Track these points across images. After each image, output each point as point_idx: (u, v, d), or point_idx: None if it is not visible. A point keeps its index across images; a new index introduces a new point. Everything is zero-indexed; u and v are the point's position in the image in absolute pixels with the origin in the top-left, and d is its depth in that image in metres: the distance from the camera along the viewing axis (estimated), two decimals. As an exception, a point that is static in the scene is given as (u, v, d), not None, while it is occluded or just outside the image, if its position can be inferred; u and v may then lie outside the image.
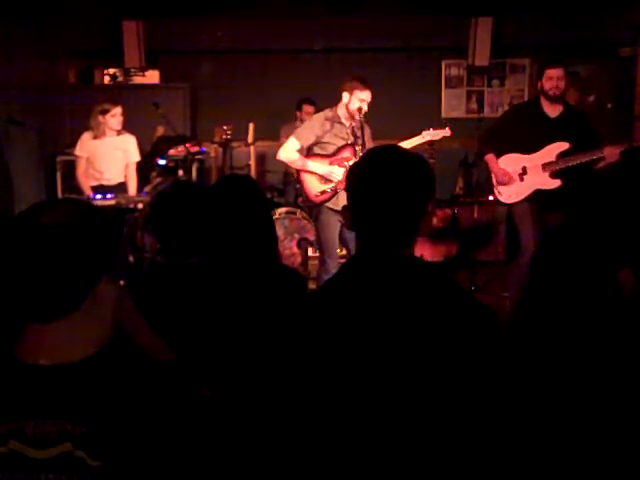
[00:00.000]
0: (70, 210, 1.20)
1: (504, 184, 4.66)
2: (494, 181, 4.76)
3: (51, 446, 1.11)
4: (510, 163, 4.67)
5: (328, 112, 4.53)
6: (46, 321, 1.17)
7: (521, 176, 4.63)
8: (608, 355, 1.73)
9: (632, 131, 7.03)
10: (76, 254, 1.16)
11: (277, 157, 4.62)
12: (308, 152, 4.57)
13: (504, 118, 5.03)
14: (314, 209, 4.66)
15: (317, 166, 4.48)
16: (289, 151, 4.51)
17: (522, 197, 4.62)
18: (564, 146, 4.48)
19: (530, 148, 4.59)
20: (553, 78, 4.48)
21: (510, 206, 4.78)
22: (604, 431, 1.68)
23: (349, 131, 4.48)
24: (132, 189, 5.58)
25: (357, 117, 4.38)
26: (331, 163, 4.48)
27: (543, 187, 4.55)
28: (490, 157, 4.72)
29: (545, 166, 4.53)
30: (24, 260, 1.14)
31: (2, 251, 1.15)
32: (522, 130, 4.62)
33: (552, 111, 4.58)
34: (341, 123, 4.48)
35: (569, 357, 1.72)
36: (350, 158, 4.46)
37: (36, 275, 1.14)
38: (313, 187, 4.53)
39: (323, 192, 4.50)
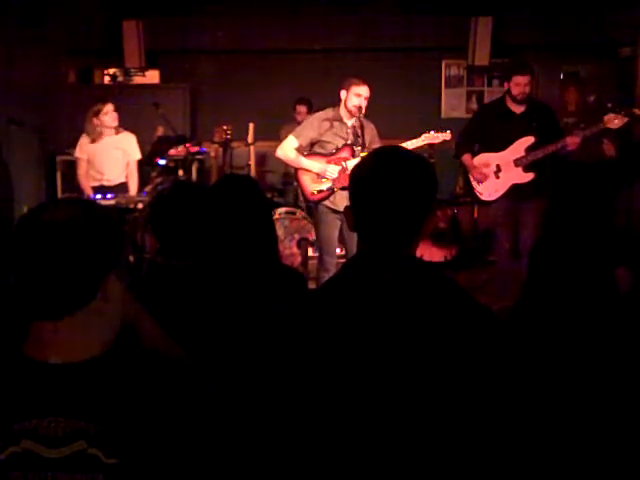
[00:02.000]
0: (75, 208, 1.21)
1: (479, 181, 4.90)
2: (472, 181, 4.98)
3: (64, 445, 1.11)
4: (484, 163, 4.88)
5: (330, 111, 4.55)
6: (56, 318, 1.17)
7: (496, 174, 4.85)
8: (607, 354, 1.73)
9: (632, 131, 7.02)
10: (82, 251, 1.16)
11: (276, 155, 4.70)
12: (309, 151, 4.61)
13: (474, 119, 5.26)
14: (313, 208, 4.71)
15: (313, 164, 4.53)
16: (287, 149, 4.56)
17: (501, 193, 4.86)
18: (530, 140, 4.72)
19: (500, 145, 4.82)
20: (520, 84, 4.69)
21: (488, 205, 5.03)
22: (604, 430, 1.68)
23: (350, 130, 4.48)
24: (133, 188, 5.58)
25: (356, 115, 4.39)
26: (328, 162, 4.51)
27: (518, 181, 4.79)
28: (465, 157, 4.96)
29: (516, 161, 4.76)
30: (31, 258, 1.15)
31: (10, 250, 1.16)
32: (491, 128, 4.87)
33: (517, 107, 4.80)
34: (342, 122, 4.50)
35: (568, 356, 1.72)
36: (348, 158, 4.48)
37: (44, 272, 1.14)
38: (309, 185, 4.57)
39: (320, 190, 4.54)
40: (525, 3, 7.25)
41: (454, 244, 6.40)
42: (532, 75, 4.76)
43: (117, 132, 5.51)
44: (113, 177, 5.54)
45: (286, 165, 5.12)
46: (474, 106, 7.82)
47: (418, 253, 1.44)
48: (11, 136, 5.90)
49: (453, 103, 7.89)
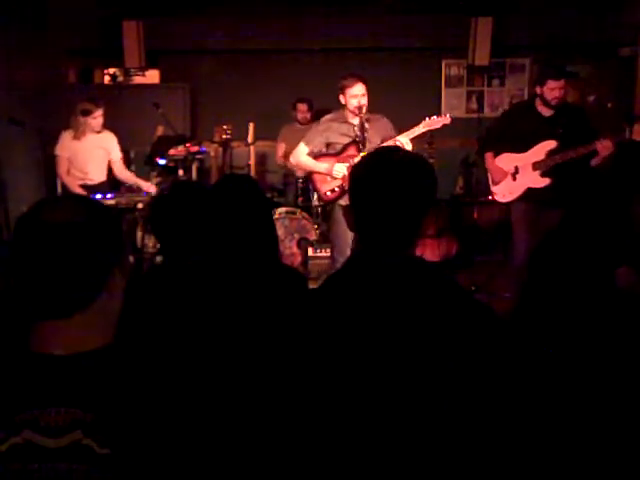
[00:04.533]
0: (76, 206, 1.21)
1: (496, 182, 4.81)
2: (489, 180, 4.90)
3: (62, 435, 1.11)
4: (504, 163, 4.80)
5: (335, 114, 4.65)
6: (62, 317, 1.17)
7: (514, 175, 4.77)
8: (607, 354, 1.73)
9: (632, 131, 7.01)
10: (86, 249, 1.16)
11: (289, 161, 4.84)
12: (319, 153, 4.70)
13: (502, 117, 5.17)
14: (327, 207, 4.86)
15: (320, 165, 4.61)
16: (299, 155, 4.69)
17: (515, 196, 4.75)
18: (552, 144, 4.59)
19: (523, 146, 4.71)
20: (555, 89, 4.53)
21: (508, 205, 4.89)
22: (605, 430, 1.68)
23: (356, 129, 4.51)
24: (132, 180, 5.56)
25: (359, 115, 4.42)
26: (337, 161, 4.58)
27: (533, 186, 4.67)
28: (488, 155, 4.87)
29: (535, 165, 4.65)
30: (34, 259, 1.15)
31: (10, 251, 1.16)
32: (518, 129, 4.75)
33: (546, 111, 4.67)
34: (348, 122, 4.56)
35: (568, 356, 1.73)
36: (355, 155, 4.52)
37: (47, 274, 1.14)
38: (322, 186, 4.67)
39: (332, 190, 4.61)
40: (525, 3, 7.24)
41: (454, 243, 6.40)
42: (567, 79, 4.60)
43: (98, 132, 5.44)
44: (96, 176, 5.50)
45: (286, 166, 5.16)
46: (474, 106, 7.82)
47: (418, 253, 1.44)
48: (11, 136, 5.90)
49: (453, 103, 7.88)
